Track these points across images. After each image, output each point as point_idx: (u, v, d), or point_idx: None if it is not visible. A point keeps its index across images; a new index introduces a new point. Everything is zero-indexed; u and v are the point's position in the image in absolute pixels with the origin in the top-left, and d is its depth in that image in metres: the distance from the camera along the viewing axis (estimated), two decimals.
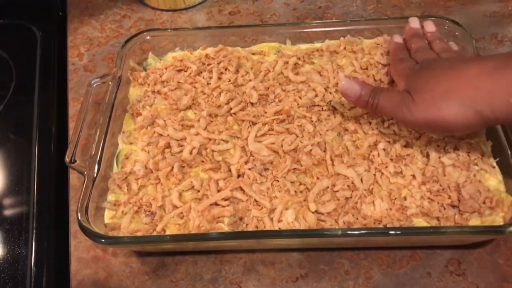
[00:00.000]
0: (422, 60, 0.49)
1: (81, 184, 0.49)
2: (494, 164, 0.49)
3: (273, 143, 0.52)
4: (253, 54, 0.62)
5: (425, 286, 0.46)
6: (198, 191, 0.49)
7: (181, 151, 0.52)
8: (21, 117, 0.64)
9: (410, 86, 0.46)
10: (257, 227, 0.47)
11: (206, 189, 0.49)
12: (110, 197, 0.50)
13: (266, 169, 0.50)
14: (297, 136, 0.52)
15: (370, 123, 0.52)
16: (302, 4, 0.74)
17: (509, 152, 0.48)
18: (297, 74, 0.58)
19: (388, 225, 0.46)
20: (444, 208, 0.46)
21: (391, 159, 0.49)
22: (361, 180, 0.48)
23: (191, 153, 0.51)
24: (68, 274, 0.50)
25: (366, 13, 0.72)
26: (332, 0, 0.74)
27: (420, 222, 0.46)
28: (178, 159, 0.51)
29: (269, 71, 0.59)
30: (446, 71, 0.44)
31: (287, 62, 0.59)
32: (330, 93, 0.56)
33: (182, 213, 0.48)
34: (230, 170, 0.50)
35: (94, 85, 0.57)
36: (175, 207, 0.49)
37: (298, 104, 0.55)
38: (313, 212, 0.47)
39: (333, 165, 0.50)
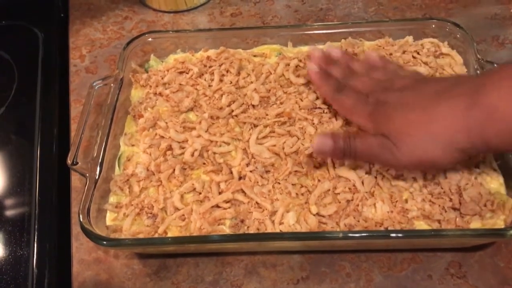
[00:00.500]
0: (372, 93, 0.48)
1: (83, 186, 0.49)
2: (496, 167, 0.49)
3: (274, 145, 0.52)
4: (255, 56, 0.62)
5: None
6: (200, 193, 0.50)
7: (183, 153, 0.52)
8: (23, 118, 0.64)
9: (383, 130, 0.45)
10: (258, 229, 0.47)
11: (208, 191, 0.49)
12: (112, 199, 0.51)
13: (267, 171, 0.50)
14: (298, 139, 0.52)
15: None
16: (303, 6, 0.74)
17: (510, 155, 0.48)
18: (298, 76, 0.59)
19: (389, 228, 0.46)
20: (445, 211, 0.46)
21: None
22: (362, 182, 0.48)
23: (192, 155, 0.52)
24: (69, 276, 0.50)
25: (367, 15, 0.72)
26: (333, 2, 0.74)
27: (421, 224, 0.46)
28: (179, 161, 0.51)
29: (271, 73, 0.59)
30: (417, 112, 0.44)
31: (289, 64, 0.59)
32: None
33: (183, 215, 0.48)
34: (231, 172, 0.50)
35: (96, 87, 0.57)
36: (176, 209, 0.49)
37: (299, 107, 0.55)
38: (314, 215, 0.47)
39: (334, 167, 0.50)
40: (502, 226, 0.45)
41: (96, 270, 0.50)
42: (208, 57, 0.61)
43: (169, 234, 0.48)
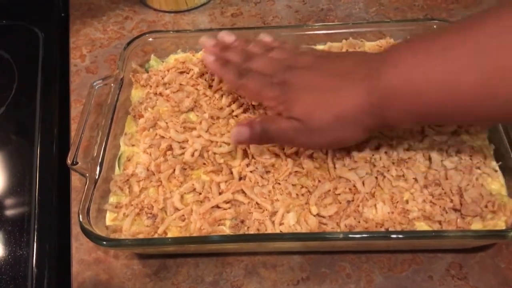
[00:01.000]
0: (276, 73, 0.48)
1: (83, 186, 0.49)
2: (497, 168, 0.49)
3: (274, 146, 0.52)
4: None
5: None
6: (200, 193, 0.49)
7: (183, 154, 0.52)
8: (23, 118, 0.64)
9: (293, 113, 0.45)
10: (258, 230, 0.47)
11: (208, 192, 0.49)
12: (112, 199, 0.50)
13: (267, 172, 0.50)
14: None
15: None
16: (304, 6, 0.74)
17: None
18: None
19: (390, 229, 0.45)
20: (446, 212, 0.46)
21: (393, 162, 0.49)
22: (363, 183, 0.48)
23: (193, 155, 0.51)
24: (69, 276, 0.50)
25: (368, 15, 0.72)
26: (334, 3, 0.74)
27: (422, 225, 0.46)
28: (180, 161, 0.51)
29: None
30: (324, 94, 0.45)
31: None
32: None
33: (183, 215, 0.48)
34: (231, 173, 0.50)
35: (96, 87, 0.57)
36: (176, 209, 0.49)
37: None
38: (314, 215, 0.47)
39: (334, 168, 0.50)
40: (503, 228, 0.45)
41: (96, 270, 0.49)
42: None
43: (169, 235, 0.47)
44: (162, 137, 0.54)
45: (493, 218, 0.46)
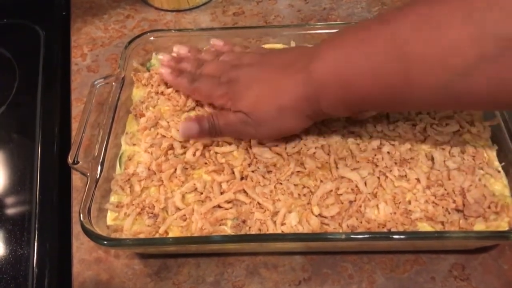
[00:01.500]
0: (223, 73, 0.51)
1: (84, 185, 0.49)
2: (500, 169, 0.49)
3: (276, 146, 0.51)
4: None
5: None
6: (201, 193, 0.49)
7: (184, 153, 0.52)
8: (24, 117, 0.64)
9: (240, 107, 0.48)
10: (260, 230, 0.46)
11: (209, 191, 0.49)
12: (113, 198, 0.50)
13: (269, 172, 0.50)
14: (300, 139, 0.52)
15: (375, 126, 0.52)
16: (306, 5, 0.74)
17: None
18: None
19: (392, 229, 0.45)
20: (449, 213, 0.46)
21: (396, 163, 0.49)
22: (365, 183, 0.48)
23: (194, 155, 0.51)
24: (70, 275, 0.49)
25: (370, 15, 0.71)
26: (336, 2, 0.74)
27: (424, 226, 0.46)
28: (181, 161, 0.51)
29: None
30: (265, 87, 0.47)
31: None
32: None
33: (185, 215, 0.48)
34: (233, 173, 0.50)
35: (98, 86, 0.57)
36: (178, 209, 0.48)
37: None
38: (316, 216, 0.47)
39: (337, 168, 0.49)
40: (506, 228, 0.45)
41: (97, 270, 0.49)
42: None
43: (170, 234, 0.47)
44: (164, 136, 0.54)
45: (496, 219, 0.46)
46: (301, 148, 0.51)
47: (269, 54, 0.53)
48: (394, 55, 0.40)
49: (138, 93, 0.59)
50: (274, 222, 0.47)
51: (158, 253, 0.50)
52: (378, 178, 0.49)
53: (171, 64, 0.57)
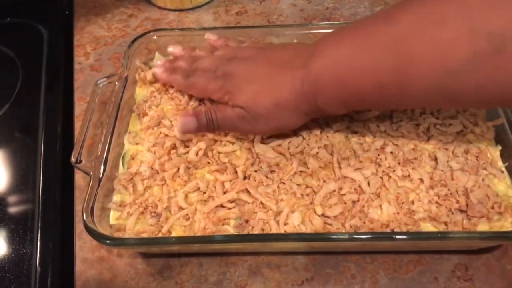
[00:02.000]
0: (219, 67, 0.51)
1: (87, 184, 0.49)
2: (503, 169, 0.49)
3: (279, 145, 0.51)
4: None
5: None
6: (204, 192, 0.49)
7: (187, 152, 0.52)
8: (27, 116, 0.63)
9: (237, 102, 0.48)
10: (263, 229, 0.46)
11: (212, 191, 0.49)
12: (116, 197, 0.50)
13: (272, 171, 0.50)
14: (303, 139, 0.52)
15: (378, 126, 0.52)
16: (309, 5, 0.74)
17: None
18: None
19: (395, 230, 0.45)
20: (452, 213, 0.46)
21: (399, 163, 0.49)
22: (368, 183, 0.48)
23: (197, 154, 0.51)
24: (73, 274, 0.49)
25: None
26: (339, 1, 0.74)
27: (427, 226, 0.46)
28: (184, 160, 0.51)
29: None
30: (264, 83, 0.47)
31: None
32: None
33: (187, 214, 0.48)
34: (236, 172, 0.50)
35: (101, 85, 0.57)
36: (180, 208, 0.48)
37: None
38: (319, 216, 0.46)
39: (340, 168, 0.49)
40: (510, 229, 0.45)
41: (99, 269, 0.49)
42: None
43: (173, 234, 0.47)
44: (167, 135, 0.54)
45: (499, 219, 0.45)
46: (304, 148, 0.51)
47: (266, 50, 0.52)
48: (389, 54, 0.40)
49: (141, 92, 0.59)
50: (277, 222, 0.47)
51: (161, 252, 0.50)
52: (381, 178, 0.48)
53: (166, 65, 0.58)
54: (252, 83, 0.48)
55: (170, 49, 0.59)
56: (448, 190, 0.47)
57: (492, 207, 0.46)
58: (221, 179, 0.50)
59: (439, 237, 0.43)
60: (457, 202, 0.46)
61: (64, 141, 0.61)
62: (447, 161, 0.49)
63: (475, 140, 0.51)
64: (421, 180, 0.48)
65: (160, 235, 0.47)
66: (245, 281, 0.48)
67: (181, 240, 0.46)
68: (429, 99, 0.42)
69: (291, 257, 0.49)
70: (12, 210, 0.55)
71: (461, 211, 0.46)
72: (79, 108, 0.63)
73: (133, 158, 0.53)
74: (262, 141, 0.52)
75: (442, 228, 0.46)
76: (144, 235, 0.47)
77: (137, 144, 0.54)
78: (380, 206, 0.47)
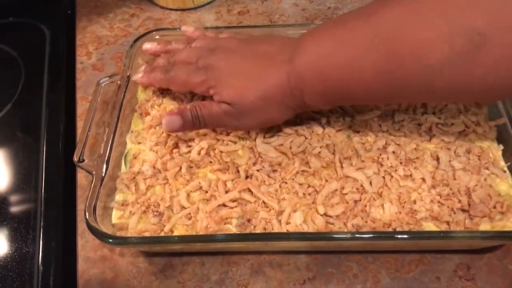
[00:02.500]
0: (200, 58, 0.49)
1: (89, 183, 0.49)
2: (505, 169, 0.49)
3: (281, 145, 0.51)
4: None
5: None
6: (206, 192, 0.49)
7: (189, 152, 0.52)
8: (29, 115, 0.64)
9: (223, 97, 0.47)
10: (265, 229, 0.46)
11: (214, 190, 0.49)
12: (118, 197, 0.50)
13: (274, 171, 0.50)
14: (306, 138, 0.52)
15: (380, 126, 0.52)
16: (311, 4, 0.74)
17: None
18: None
19: (397, 229, 0.45)
20: (454, 212, 0.46)
21: (401, 162, 0.49)
22: (370, 183, 0.48)
23: (199, 153, 0.51)
24: (75, 273, 0.50)
25: None
26: (341, 1, 0.74)
27: (429, 226, 0.46)
28: (186, 160, 0.51)
29: None
30: (250, 78, 0.47)
31: None
32: None
33: (190, 213, 0.48)
34: (238, 171, 0.50)
35: (103, 84, 0.57)
36: (183, 207, 0.49)
37: None
38: (321, 215, 0.46)
39: (342, 167, 0.49)
40: None
41: (102, 268, 0.49)
42: None
43: (175, 233, 0.47)
44: (169, 135, 0.53)
45: (501, 219, 0.45)
46: (306, 147, 0.51)
47: (250, 42, 0.51)
48: (372, 51, 0.40)
49: (143, 91, 0.59)
50: (279, 221, 0.47)
51: (163, 251, 0.50)
52: (383, 177, 0.48)
53: (145, 69, 0.56)
54: (237, 77, 0.47)
55: (146, 46, 0.58)
56: (450, 189, 0.47)
57: (494, 207, 0.46)
58: (223, 178, 0.50)
59: (441, 237, 0.43)
60: (459, 201, 0.46)
61: (66, 140, 0.61)
62: (449, 161, 0.49)
63: (477, 140, 0.51)
64: (423, 179, 0.48)
65: (162, 234, 0.47)
66: (247, 280, 0.48)
67: (183, 239, 0.46)
68: (413, 95, 0.42)
69: (293, 256, 0.49)
70: (15, 209, 0.55)
71: (463, 210, 0.46)
72: (81, 107, 0.63)
73: (135, 157, 0.53)
74: (264, 141, 0.52)
75: (444, 227, 0.45)
76: (146, 234, 0.47)
77: (139, 143, 0.54)
78: (382, 205, 0.47)
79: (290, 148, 0.51)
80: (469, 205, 0.46)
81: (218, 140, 0.53)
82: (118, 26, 0.73)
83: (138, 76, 0.56)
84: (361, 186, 0.48)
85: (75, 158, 0.50)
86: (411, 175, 0.48)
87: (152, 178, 0.51)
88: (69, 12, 0.78)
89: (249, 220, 0.47)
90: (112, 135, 0.52)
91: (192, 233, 0.47)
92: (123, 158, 0.53)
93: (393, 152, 0.50)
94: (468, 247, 0.48)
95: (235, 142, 0.52)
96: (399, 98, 0.47)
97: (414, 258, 0.48)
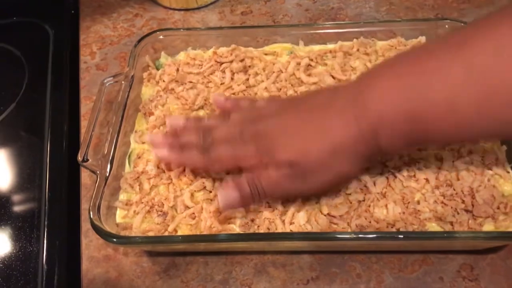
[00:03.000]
0: (243, 132, 0.44)
1: (93, 183, 0.49)
2: (509, 169, 0.49)
3: None
4: (266, 54, 0.62)
5: None
6: (210, 191, 0.49)
7: None
8: (33, 115, 0.64)
9: (281, 159, 0.42)
10: (268, 228, 0.47)
11: None
12: (122, 196, 0.50)
13: None
14: None
15: None
16: (314, 5, 0.74)
17: None
18: (309, 75, 0.58)
19: (401, 229, 0.45)
20: (458, 213, 0.46)
21: (405, 163, 0.49)
22: (374, 183, 0.48)
23: None
24: (79, 272, 0.50)
25: (379, 14, 0.71)
26: (344, 1, 0.74)
27: (433, 226, 0.46)
28: None
29: (282, 72, 0.59)
30: (311, 131, 0.42)
31: (300, 63, 0.59)
32: None
33: (193, 213, 0.48)
34: (241, 171, 0.50)
35: (107, 84, 0.57)
36: (187, 207, 0.49)
37: None
38: (325, 215, 0.47)
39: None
40: None
41: (106, 267, 0.50)
42: (218, 55, 0.61)
43: (179, 232, 0.47)
44: None
45: (505, 219, 0.45)
46: None
47: (292, 100, 0.47)
48: (471, 84, 0.36)
49: (147, 91, 0.60)
50: (283, 221, 0.47)
51: (167, 251, 0.50)
52: (387, 178, 0.48)
53: (167, 143, 0.49)
54: (293, 135, 0.42)
55: (169, 121, 0.51)
56: (454, 190, 0.47)
57: (498, 207, 0.46)
58: (227, 178, 0.50)
59: (444, 237, 0.43)
60: (463, 202, 0.46)
61: (70, 139, 0.61)
62: (453, 161, 0.49)
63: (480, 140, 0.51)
64: (427, 180, 0.48)
65: (166, 233, 0.47)
66: (251, 280, 0.48)
67: (187, 238, 0.46)
68: (503, 132, 0.39)
69: (297, 256, 0.49)
70: (19, 208, 0.55)
71: (467, 211, 0.46)
72: (85, 107, 0.63)
73: (139, 157, 0.53)
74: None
75: (447, 228, 0.46)
76: (151, 234, 0.47)
77: (143, 143, 0.54)
78: (386, 206, 0.47)
79: None
80: (472, 205, 0.46)
81: None
82: (121, 26, 0.74)
83: (163, 152, 0.48)
84: (365, 186, 0.48)
85: (79, 158, 0.50)
86: (414, 175, 0.48)
87: (156, 177, 0.51)
88: (72, 11, 0.78)
89: (252, 220, 0.47)
90: (116, 135, 0.52)
91: (195, 232, 0.47)
92: (127, 158, 0.53)
93: None
94: (472, 247, 0.48)
95: None
96: (501, 136, 0.43)
97: (418, 258, 0.48)
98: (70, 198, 0.56)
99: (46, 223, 0.53)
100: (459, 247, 0.48)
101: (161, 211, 0.48)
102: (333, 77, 0.58)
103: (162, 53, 0.63)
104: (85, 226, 0.52)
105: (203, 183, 0.50)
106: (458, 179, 0.48)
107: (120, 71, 0.60)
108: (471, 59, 0.36)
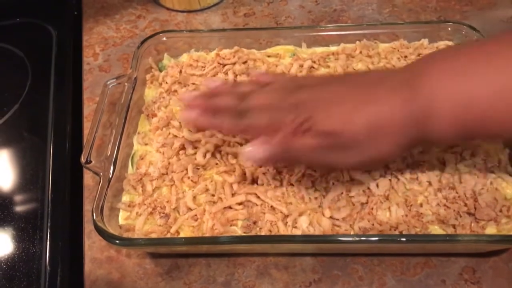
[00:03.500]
0: (285, 98, 0.42)
1: (95, 184, 0.49)
2: (511, 172, 0.49)
3: None
4: (269, 56, 0.62)
5: None
6: (213, 195, 0.49)
7: (196, 153, 0.52)
8: (36, 116, 0.64)
9: (322, 127, 0.39)
10: (270, 231, 0.47)
11: (221, 193, 0.49)
12: (125, 198, 0.51)
13: (280, 173, 0.50)
14: None
15: None
16: (317, 6, 0.74)
17: None
18: None
19: (404, 232, 0.45)
20: (460, 216, 0.46)
21: (407, 165, 0.49)
22: (377, 186, 0.48)
23: (204, 156, 0.51)
24: (82, 274, 0.50)
25: (381, 16, 0.71)
26: (347, 3, 0.74)
27: (436, 229, 0.46)
28: (192, 161, 0.51)
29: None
30: (357, 104, 0.39)
31: (302, 65, 0.59)
32: None
33: (196, 215, 0.48)
34: (244, 174, 0.50)
35: (110, 86, 0.57)
36: (189, 209, 0.49)
37: None
38: (328, 218, 0.47)
39: (348, 170, 0.49)
40: None
41: (108, 268, 0.50)
42: (222, 57, 0.61)
43: (182, 234, 0.47)
44: (175, 136, 0.54)
45: (507, 222, 0.46)
46: None
47: (337, 77, 0.45)
48: None
49: (150, 93, 0.60)
50: (285, 223, 0.47)
51: (169, 252, 0.50)
52: (390, 180, 0.49)
53: (199, 104, 0.46)
54: (339, 104, 0.40)
55: (207, 82, 0.49)
56: (456, 193, 0.47)
57: (501, 210, 0.46)
58: (229, 180, 0.50)
59: (447, 240, 0.43)
60: (465, 205, 0.46)
61: (73, 141, 0.61)
62: (455, 164, 0.49)
63: (483, 143, 0.51)
64: (430, 183, 0.48)
65: (168, 235, 0.47)
66: (253, 282, 0.48)
67: (189, 240, 0.46)
68: None
69: (299, 259, 0.49)
70: (22, 209, 0.55)
71: (469, 214, 0.46)
72: (88, 108, 0.64)
73: (142, 159, 0.53)
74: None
75: (450, 231, 0.46)
76: (153, 236, 0.47)
77: (146, 144, 0.55)
78: (389, 208, 0.47)
79: None
80: (475, 208, 0.46)
81: (224, 141, 0.53)
82: (124, 27, 0.74)
83: (194, 114, 0.46)
84: (368, 189, 0.48)
85: (83, 159, 0.50)
86: (417, 178, 0.48)
87: (159, 179, 0.51)
88: (75, 13, 0.78)
89: (255, 222, 0.47)
90: (119, 137, 0.52)
91: (198, 234, 0.47)
92: (130, 159, 0.54)
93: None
94: (474, 250, 0.48)
95: (241, 144, 0.52)
96: None
97: (420, 261, 0.48)
98: (73, 200, 0.56)
99: (49, 224, 0.53)
100: (461, 250, 0.48)
101: (163, 213, 0.48)
102: None
103: (165, 54, 0.63)
104: (88, 227, 0.52)
105: (206, 185, 0.50)
106: (460, 182, 0.48)
107: (123, 73, 0.60)
108: None
